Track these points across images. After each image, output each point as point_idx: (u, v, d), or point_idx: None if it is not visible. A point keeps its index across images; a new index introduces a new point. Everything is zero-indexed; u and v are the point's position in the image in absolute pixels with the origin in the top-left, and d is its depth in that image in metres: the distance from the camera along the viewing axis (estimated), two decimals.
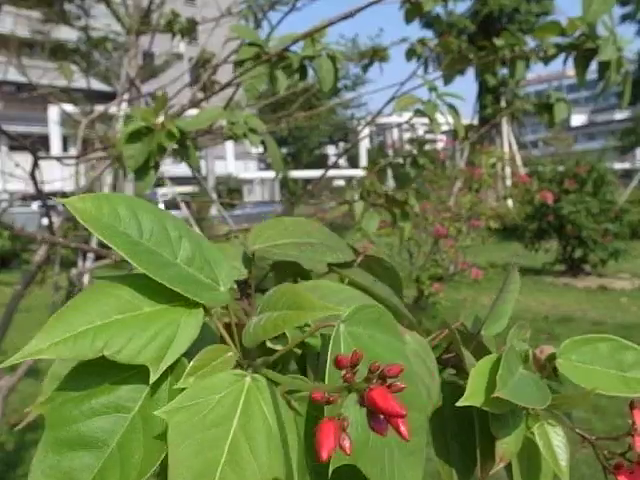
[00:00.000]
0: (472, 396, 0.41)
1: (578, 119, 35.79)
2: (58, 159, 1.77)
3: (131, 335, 0.32)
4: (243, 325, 0.37)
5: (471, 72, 1.85)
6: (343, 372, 0.28)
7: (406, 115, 1.76)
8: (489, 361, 0.43)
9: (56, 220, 1.64)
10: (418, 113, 1.50)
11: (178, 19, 2.39)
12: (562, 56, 1.36)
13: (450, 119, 1.56)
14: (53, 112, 10.64)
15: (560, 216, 6.59)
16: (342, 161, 20.48)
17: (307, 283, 0.45)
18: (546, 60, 1.40)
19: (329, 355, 0.34)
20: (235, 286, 0.46)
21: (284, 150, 21.17)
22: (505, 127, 12.68)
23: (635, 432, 0.41)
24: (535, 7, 12.89)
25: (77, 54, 4.34)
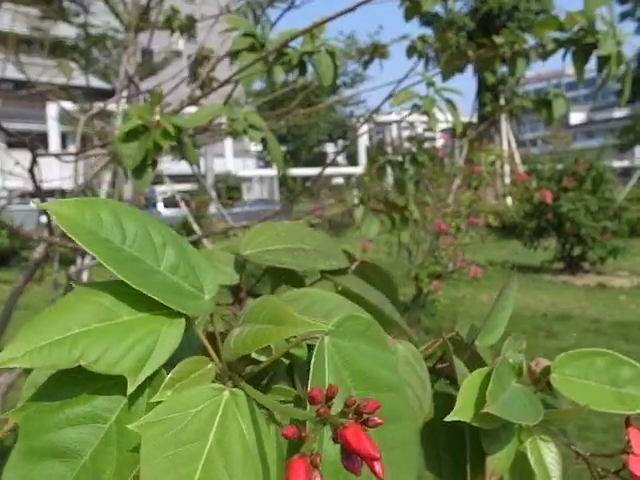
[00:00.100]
0: (461, 411, 0.40)
1: (577, 117, 35.80)
2: (57, 156, 1.77)
3: (109, 344, 0.31)
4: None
5: (470, 70, 1.85)
6: (317, 407, 0.27)
7: (406, 113, 1.76)
8: (481, 374, 0.42)
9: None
10: (415, 108, 1.50)
11: (177, 15, 2.39)
12: (561, 54, 1.36)
13: (448, 115, 1.56)
14: (52, 109, 10.63)
15: (559, 214, 6.59)
16: (341, 159, 20.46)
17: (295, 291, 0.44)
18: (545, 55, 1.40)
19: (312, 369, 0.33)
20: (225, 290, 0.46)
21: (283, 148, 21.14)
22: (504, 125, 12.68)
23: (629, 450, 0.40)
24: (534, 5, 12.88)
25: (76, 51, 4.33)
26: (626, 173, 13.01)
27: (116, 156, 1.27)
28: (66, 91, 3.48)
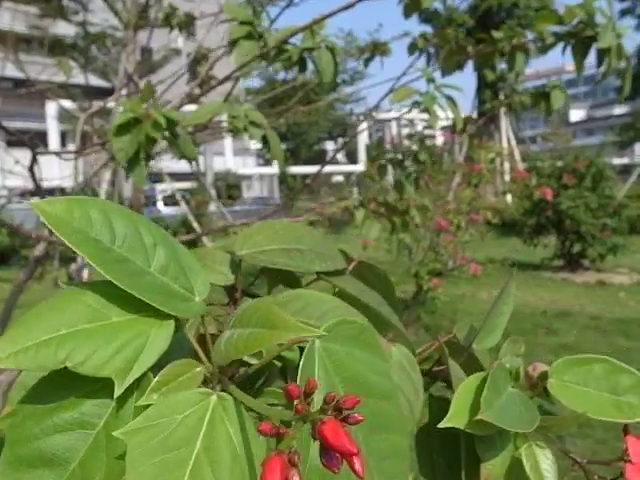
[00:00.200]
0: (455, 417, 0.39)
1: (577, 114, 35.76)
2: (57, 154, 1.77)
3: (97, 346, 0.30)
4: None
5: (470, 68, 1.85)
6: (295, 402, 0.26)
7: (406, 110, 1.76)
8: (476, 379, 0.41)
9: None
10: (416, 105, 1.50)
11: (176, 13, 2.38)
12: (561, 50, 1.36)
13: (448, 112, 1.56)
14: (51, 108, 10.62)
15: (559, 211, 6.59)
16: (341, 157, 20.46)
17: (290, 292, 0.43)
18: (544, 49, 1.40)
19: (300, 373, 0.32)
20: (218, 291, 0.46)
21: (283, 146, 21.10)
22: (504, 122, 12.67)
23: (627, 458, 0.40)
24: (534, 2, 12.86)
25: (75, 50, 4.33)
26: (626, 170, 13.00)
27: (116, 158, 1.27)
28: (65, 89, 3.48)
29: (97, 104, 2.50)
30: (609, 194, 6.78)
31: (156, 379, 0.32)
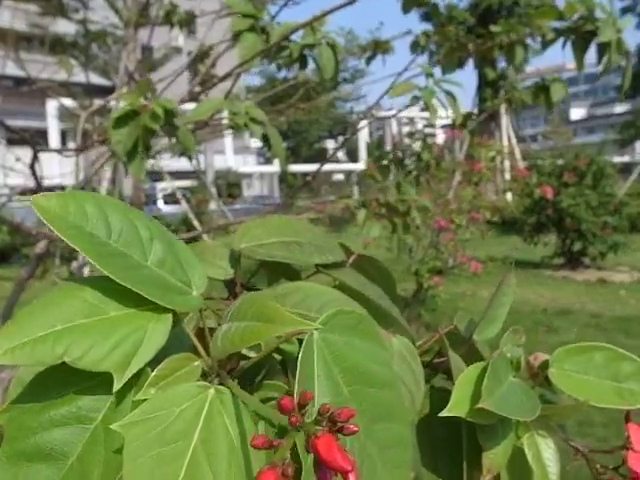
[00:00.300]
0: (456, 406, 0.39)
1: (577, 112, 35.72)
2: (58, 151, 1.77)
3: (94, 341, 0.30)
4: None
5: (470, 66, 1.85)
6: (289, 416, 0.26)
7: (407, 110, 1.76)
8: (477, 369, 0.41)
9: None
10: (415, 100, 1.50)
11: (177, 10, 2.38)
12: (561, 46, 1.36)
13: (449, 111, 1.56)
14: (51, 106, 10.62)
15: (559, 209, 6.59)
16: (341, 155, 20.44)
17: (289, 284, 0.43)
18: (545, 45, 1.40)
19: (299, 366, 0.32)
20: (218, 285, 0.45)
21: (284, 144, 21.07)
22: (504, 121, 12.65)
23: (629, 446, 0.40)
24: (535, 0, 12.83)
25: (75, 48, 4.32)
26: (627, 168, 12.98)
27: (115, 151, 1.27)
28: (66, 88, 3.48)
29: (98, 102, 2.51)
30: (610, 192, 6.78)
31: (154, 373, 0.32)
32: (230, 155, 18.28)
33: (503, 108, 10.78)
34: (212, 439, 0.29)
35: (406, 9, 1.70)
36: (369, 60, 2.38)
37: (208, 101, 1.33)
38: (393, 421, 0.35)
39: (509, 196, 7.04)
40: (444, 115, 1.70)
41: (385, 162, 2.34)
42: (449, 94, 1.48)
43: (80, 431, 0.30)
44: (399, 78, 1.59)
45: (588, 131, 33.63)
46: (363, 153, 16.33)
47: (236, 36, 1.21)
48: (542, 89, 1.55)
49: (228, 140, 16.50)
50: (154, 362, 0.32)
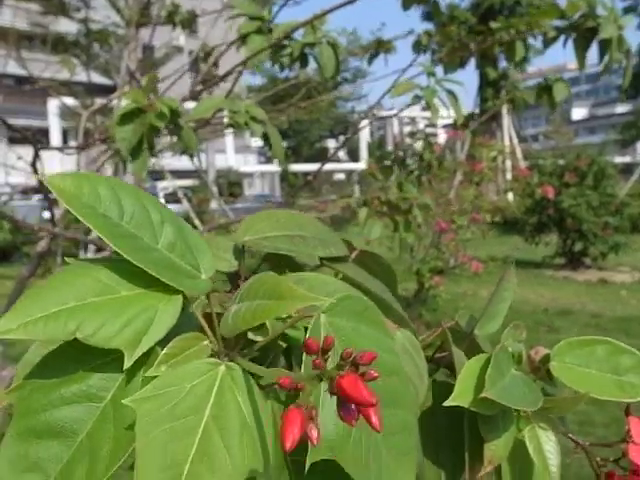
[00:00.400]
0: (460, 396, 0.40)
1: (579, 113, 35.69)
2: (59, 149, 1.78)
3: (106, 318, 0.31)
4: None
5: (472, 66, 1.85)
6: (313, 357, 0.26)
7: (409, 110, 1.75)
8: (479, 360, 0.42)
9: (57, 212, 1.64)
10: (416, 99, 1.50)
11: (179, 10, 2.39)
12: (562, 44, 1.36)
13: (451, 110, 1.56)
14: (52, 105, 10.62)
15: (560, 209, 6.59)
16: (342, 155, 20.44)
17: (294, 275, 0.43)
18: (546, 44, 1.40)
19: (302, 366, 0.32)
20: (224, 276, 0.45)
21: (285, 143, 21.09)
22: (506, 120, 12.65)
23: (629, 439, 0.40)
24: None
25: (77, 47, 4.33)
26: (628, 169, 12.97)
27: (117, 151, 1.27)
28: (67, 87, 3.48)
29: (99, 101, 2.51)
30: (611, 192, 6.78)
31: (164, 351, 0.32)
32: (231, 154, 18.29)
33: (505, 108, 10.78)
34: (224, 414, 0.29)
35: (406, 6, 1.70)
36: (371, 59, 2.38)
37: (208, 100, 1.33)
38: (399, 407, 0.35)
39: (510, 196, 7.04)
40: (445, 115, 1.70)
41: (387, 162, 2.34)
42: (451, 93, 1.48)
43: (90, 409, 0.31)
44: (401, 77, 1.59)
45: (589, 131, 33.61)
46: (364, 153, 16.32)
47: (243, 38, 1.21)
48: (545, 89, 1.55)
49: (229, 139, 16.50)
50: (163, 343, 0.32)
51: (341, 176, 17.66)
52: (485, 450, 0.40)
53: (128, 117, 1.02)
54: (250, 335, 0.36)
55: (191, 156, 1.28)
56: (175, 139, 1.15)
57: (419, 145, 3.88)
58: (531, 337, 0.49)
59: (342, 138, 21.47)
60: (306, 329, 0.34)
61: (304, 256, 0.47)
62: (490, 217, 5.06)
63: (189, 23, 2.43)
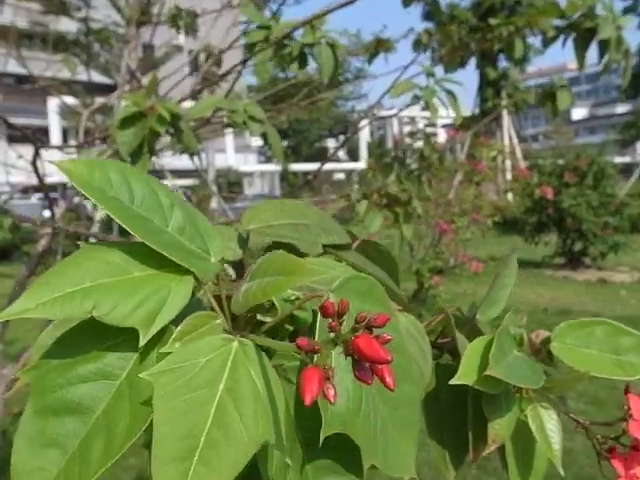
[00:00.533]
0: (465, 375, 0.41)
1: (579, 112, 35.68)
2: (59, 148, 1.78)
3: (120, 298, 0.32)
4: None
5: (472, 66, 1.85)
6: (329, 321, 0.27)
7: (409, 110, 1.75)
8: (482, 341, 0.43)
9: (57, 211, 1.64)
10: (416, 99, 1.50)
11: (181, 14, 2.39)
12: (561, 44, 1.36)
13: (450, 111, 1.56)
14: (53, 104, 10.62)
15: (560, 209, 6.59)
16: (342, 154, 20.43)
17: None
18: (546, 43, 1.40)
19: (318, 326, 0.33)
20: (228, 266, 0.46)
21: (284, 143, 21.09)
22: (506, 120, 12.65)
23: (629, 416, 0.41)
24: None
25: (77, 46, 4.32)
26: (627, 169, 12.97)
27: (117, 151, 1.27)
28: (67, 86, 3.48)
29: (99, 100, 2.51)
30: (610, 192, 6.78)
31: (178, 329, 0.33)
32: (231, 154, 18.29)
33: (505, 108, 10.78)
34: (238, 387, 0.30)
35: (406, 3, 1.70)
36: (371, 58, 2.38)
37: (207, 99, 1.33)
38: (403, 382, 0.36)
39: (510, 196, 7.04)
40: (445, 115, 1.70)
41: (387, 160, 2.35)
42: (450, 93, 1.48)
43: (106, 387, 0.31)
44: (401, 76, 1.59)
45: (589, 131, 33.60)
46: (364, 152, 16.32)
47: (251, 47, 1.22)
48: (548, 96, 1.55)
49: (229, 139, 16.50)
50: (176, 324, 0.33)
51: (341, 176, 17.66)
52: (489, 429, 0.41)
53: (129, 121, 1.03)
54: (259, 317, 0.37)
55: (192, 155, 1.28)
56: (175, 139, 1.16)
57: (419, 144, 3.88)
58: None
59: (342, 138, 21.46)
60: (314, 311, 0.35)
61: (308, 244, 0.48)
62: (491, 221, 5.07)
63: (192, 26, 2.43)
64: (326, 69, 1.23)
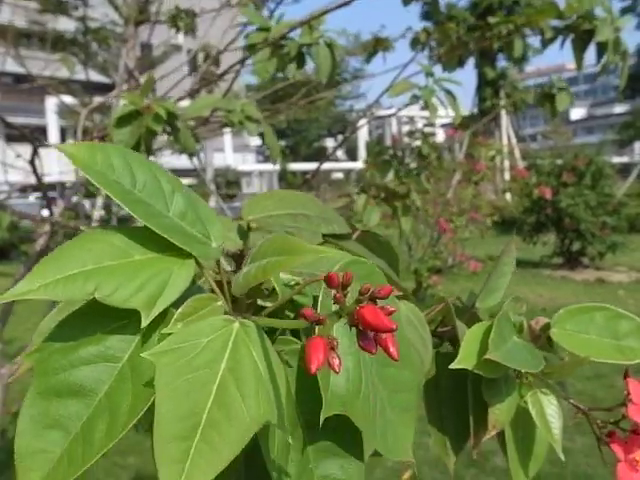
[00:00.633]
0: (464, 359, 0.41)
1: (577, 112, 35.73)
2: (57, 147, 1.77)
3: (122, 281, 0.32)
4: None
5: (470, 66, 1.85)
6: (333, 292, 0.27)
7: (407, 109, 1.76)
8: (482, 327, 0.43)
9: (56, 210, 1.64)
10: (414, 99, 1.50)
11: (181, 14, 2.38)
12: (560, 45, 1.36)
13: (449, 110, 1.56)
14: (51, 103, 10.61)
15: (558, 209, 6.60)
16: (341, 154, 20.43)
17: None
18: (544, 44, 1.40)
19: (319, 308, 0.33)
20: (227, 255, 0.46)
21: (283, 142, 21.10)
22: (504, 120, 12.67)
23: (629, 399, 0.41)
24: None
25: (75, 45, 4.32)
26: (625, 169, 13.00)
27: None
28: (65, 85, 3.48)
29: (98, 100, 2.50)
30: (609, 192, 6.79)
31: (179, 310, 0.33)
32: (229, 153, 18.28)
33: (503, 108, 10.79)
34: (239, 367, 0.30)
35: (406, 2, 1.70)
36: (370, 57, 2.38)
37: (204, 98, 1.33)
38: (403, 367, 0.37)
39: (508, 196, 7.05)
40: (444, 114, 1.70)
41: (386, 157, 2.35)
42: (449, 93, 1.48)
43: (108, 369, 0.32)
44: (399, 75, 1.59)
45: (588, 131, 33.64)
46: (362, 152, 16.32)
47: (250, 48, 1.22)
48: (547, 97, 1.55)
49: (227, 138, 16.49)
50: (177, 307, 0.33)
51: (339, 175, 17.65)
52: (489, 414, 0.42)
53: (125, 119, 1.03)
54: (260, 302, 0.37)
55: (191, 155, 1.28)
56: (173, 138, 1.16)
57: (417, 144, 3.88)
58: None
59: (340, 137, 21.46)
60: (314, 297, 0.35)
61: (308, 233, 0.48)
62: (490, 220, 5.08)
63: (191, 26, 2.43)
64: (324, 69, 1.23)
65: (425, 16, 8.25)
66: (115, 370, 0.32)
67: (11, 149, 2.43)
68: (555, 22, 1.39)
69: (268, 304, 0.37)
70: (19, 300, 0.32)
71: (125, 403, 0.31)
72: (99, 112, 2.43)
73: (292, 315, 0.39)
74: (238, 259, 0.46)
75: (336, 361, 0.26)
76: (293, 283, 0.38)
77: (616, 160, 13.35)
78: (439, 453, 0.46)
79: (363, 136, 16.40)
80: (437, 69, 1.77)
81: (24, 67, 2.40)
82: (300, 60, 1.28)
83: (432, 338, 0.45)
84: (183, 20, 2.36)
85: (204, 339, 0.30)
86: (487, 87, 12.71)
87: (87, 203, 5.58)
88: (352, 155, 20.27)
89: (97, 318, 0.32)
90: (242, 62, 1.36)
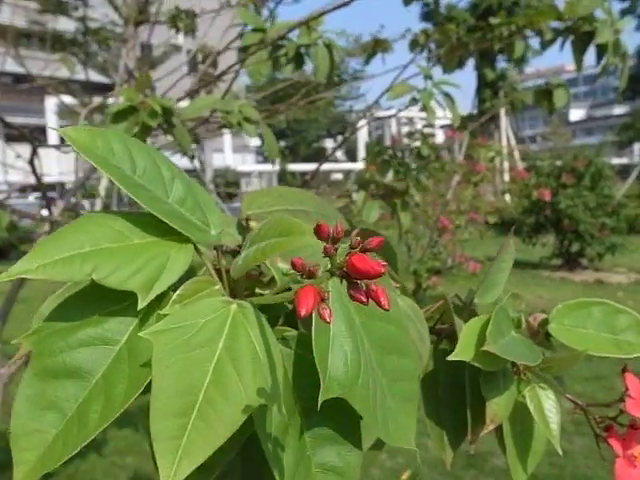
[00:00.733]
0: (462, 352, 0.41)
1: (577, 114, 35.75)
2: (57, 147, 1.78)
3: (120, 263, 0.32)
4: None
5: (470, 67, 1.85)
6: (323, 244, 0.27)
7: (407, 110, 1.76)
8: (480, 320, 0.43)
9: (55, 210, 1.64)
10: (413, 102, 1.50)
11: (181, 15, 2.38)
12: (559, 46, 1.37)
13: (448, 112, 1.56)
14: (50, 103, 10.60)
15: (557, 210, 6.60)
16: (340, 155, 20.43)
17: (297, 239, 0.44)
18: (544, 45, 1.40)
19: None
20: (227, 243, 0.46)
21: (282, 143, 21.10)
22: (503, 121, 12.67)
23: (627, 394, 0.41)
24: (534, 0, 12.84)
25: (75, 45, 4.32)
26: (625, 170, 13.00)
27: None
28: (65, 85, 3.48)
29: (97, 100, 2.51)
30: (608, 194, 6.79)
31: (177, 292, 0.33)
32: (229, 154, 18.28)
33: (503, 109, 10.80)
34: (236, 347, 0.31)
35: (407, 2, 1.71)
36: (369, 58, 2.38)
37: (202, 99, 1.33)
38: (402, 356, 0.37)
39: (508, 197, 7.05)
40: (443, 115, 1.70)
41: (385, 157, 2.35)
42: (447, 96, 1.49)
43: (106, 351, 0.32)
44: (398, 76, 1.60)
45: (587, 132, 33.66)
46: (362, 153, 16.31)
47: (246, 49, 1.22)
48: (545, 94, 1.55)
49: (227, 139, 16.49)
50: (176, 289, 0.33)
51: (339, 176, 17.65)
52: (487, 408, 0.42)
53: (121, 115, 1.03)
54: (258, 290, 0.37)
55: (192, 157, 1.28)
56: (172, 138, 1.16)
57: (417, 144, 3.88)
58: None
59: (340, 138, 21.46)
60: None
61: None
62: (492, 218, 5.08)
63: (191, 27, 2.43)
64: (322, 70, 1.23)
65: (425, 17, 8.27)
66: (113, 352, 0.32)
67: (11, 149, 2.43)
68: (555, 24, 1.39)
69: (267, 292, 0.37)
70: (19, 300, 0.32)
71: (121, 385, 0.31)
72: (99, 112, 2.43)
73: (290, 307, 0.39)
74: (236, 255, 0.46)
75: (326, 311, 0.26)
76: (291, 272, 0.38)
77: (615, 161, 13.35)
78: (436, 448, 0.46)
79: (363, 137, 16.40)
80: (437, 70, 1.78)
81: (24, 67, 2.40)
82: (298, 61, 1.29)
83: (430, 335, 0.45)
84: (183, 20, 2.36)
85: (202, 319, 0.31)
86: (487, 89, 12.72)
87: (87, 203, 5.58)
88: (352, 156, 20.26)
89: (96, 301, 0.32)
90: (241, 63, 1.36)
